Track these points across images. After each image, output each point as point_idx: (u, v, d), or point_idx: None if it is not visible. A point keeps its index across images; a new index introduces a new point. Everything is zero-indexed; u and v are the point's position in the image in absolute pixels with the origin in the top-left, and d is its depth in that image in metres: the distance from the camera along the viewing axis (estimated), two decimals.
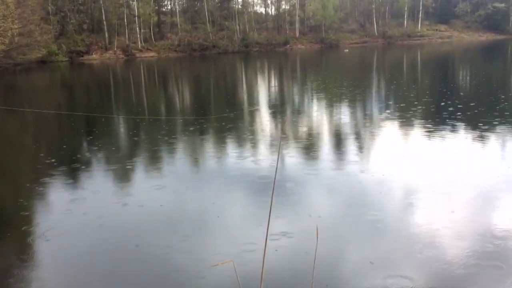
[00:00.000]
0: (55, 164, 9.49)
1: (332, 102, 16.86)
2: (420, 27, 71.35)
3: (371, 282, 4.60)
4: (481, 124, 11.20)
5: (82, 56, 55.60)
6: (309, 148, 9.86)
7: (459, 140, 10.10)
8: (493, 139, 9.91)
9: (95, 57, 56.01)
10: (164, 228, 6.15)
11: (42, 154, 10.71)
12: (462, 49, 50.02)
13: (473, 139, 10.05)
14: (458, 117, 12.29)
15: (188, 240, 5.70)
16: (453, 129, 11.03)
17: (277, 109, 15.61)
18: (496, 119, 11.69)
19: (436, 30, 71.65)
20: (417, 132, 11.04)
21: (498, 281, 4.54)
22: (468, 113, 12.85)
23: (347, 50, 54.37)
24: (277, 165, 6.20)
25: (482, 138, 10.03)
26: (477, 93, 16.90)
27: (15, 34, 42.69)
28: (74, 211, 6.82)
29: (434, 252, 5.11)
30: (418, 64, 34.85)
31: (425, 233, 5.55)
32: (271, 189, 7.16)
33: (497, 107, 13.49)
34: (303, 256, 5.11)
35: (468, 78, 23.92)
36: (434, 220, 5.88)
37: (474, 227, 5.67)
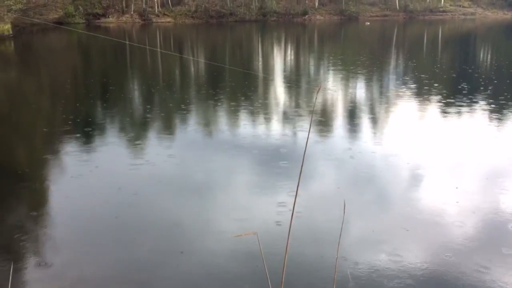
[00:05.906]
0: None
1: (360, 78, 16.84)
2: (443, 2, 69.26)
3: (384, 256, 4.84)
4: (499, 104, 11.22)
5: (99, 19, 55.30)
6: (332, 122, 10.00)
7: (474, 119, 10.16)
8: (507, 119, 10.01)
9: (111, 21, 55.68)
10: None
11: None
12: (485, 27, 48.69)
13: (489, 118, 10.12)
14: (474, 96, 12.25)
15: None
16: (470, 107, 11.05)
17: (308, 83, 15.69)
18: None
19: (460, 5, 69.51)
20: (439, 109, 11.12)
21: (499, 259, 4.73)
22: (484, 92, 12.77)
23: (368, 23, 53.44)
24: (309, 133, 6.33)
25: (498, 118, 10.09)
26: (496, 74, 16.66)
27: None
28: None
29: (440, 227, 5.31)
30: (438, 41, 34.15)
31: (432, 209, 5.73)
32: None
33: None
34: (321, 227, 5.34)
35: (488, 58, 23.48)
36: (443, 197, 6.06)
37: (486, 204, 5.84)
